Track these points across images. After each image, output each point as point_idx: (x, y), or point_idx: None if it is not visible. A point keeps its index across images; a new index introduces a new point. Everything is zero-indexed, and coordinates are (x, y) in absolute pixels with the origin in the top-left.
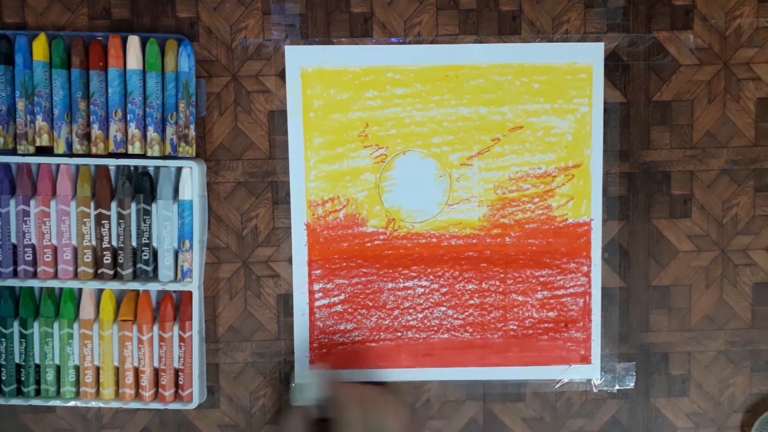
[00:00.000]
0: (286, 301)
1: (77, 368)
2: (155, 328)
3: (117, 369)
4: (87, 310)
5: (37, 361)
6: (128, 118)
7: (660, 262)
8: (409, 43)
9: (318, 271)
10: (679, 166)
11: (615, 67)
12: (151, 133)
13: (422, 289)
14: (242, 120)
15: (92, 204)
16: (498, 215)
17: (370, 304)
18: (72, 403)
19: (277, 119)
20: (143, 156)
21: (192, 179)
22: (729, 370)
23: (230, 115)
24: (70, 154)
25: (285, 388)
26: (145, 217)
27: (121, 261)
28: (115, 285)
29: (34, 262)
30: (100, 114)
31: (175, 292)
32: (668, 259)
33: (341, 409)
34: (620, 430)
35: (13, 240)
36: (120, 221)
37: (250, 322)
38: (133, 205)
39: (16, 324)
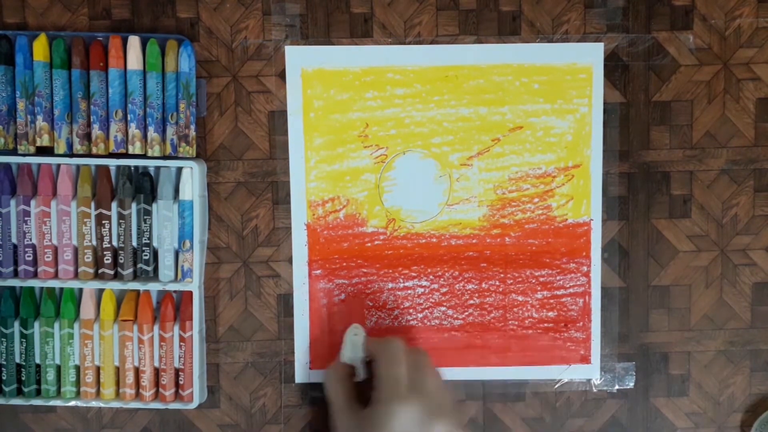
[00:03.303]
0: (286, 301)
1: (78, 368)
2: (156, 328)
3: (117, 369)
4: (87, 310)
5: (37, 361)
6: (129, 119)
7: (660, 262)
8: (409, 43)
9: (318, 271)
10: (678, 166)
11: (615, 68)
12: (152, 133)
13: (422, 289)
14: (242, 120)
15: (93, 204)
16: (498, 215)
17: (370, 304)
18: (72, 403)
19: (277, 119)
20: (143, 156)
21: (192, 179)
22: (729, 370)
23: (230, 116)
24: (70, 154)
25: (285, 388)
26: (145, 217)
27: (121, 261)
28: (116, 285)
29: (35, 262)
30: (101, 114)
31: (175, 292)
32: (668, 259)
33: (387, 365)
34: (620, 429)
35: (14, 240)
36: (120, 221)
37: (251, 322)
38: (134, 205)
39: (16, 324)
